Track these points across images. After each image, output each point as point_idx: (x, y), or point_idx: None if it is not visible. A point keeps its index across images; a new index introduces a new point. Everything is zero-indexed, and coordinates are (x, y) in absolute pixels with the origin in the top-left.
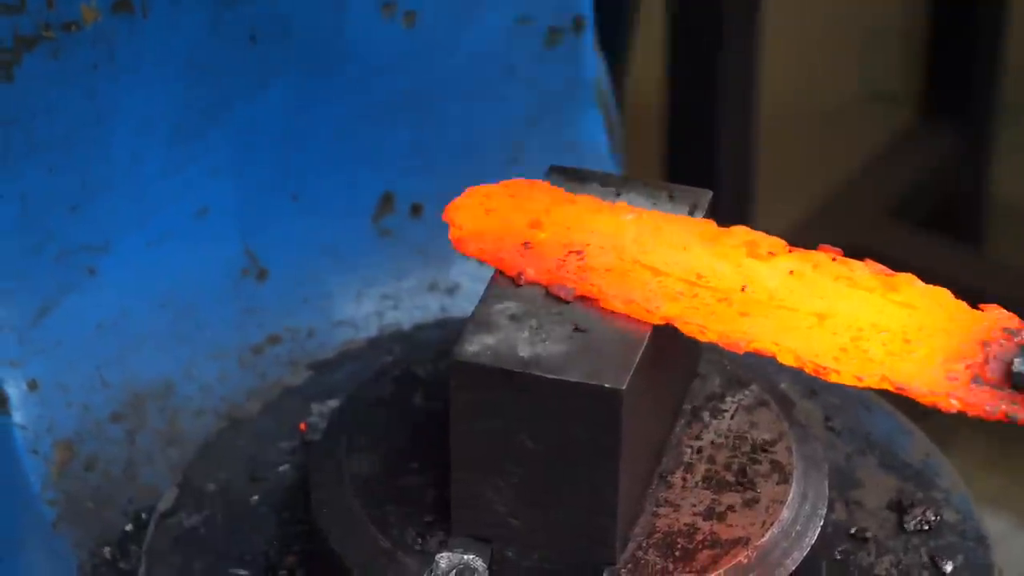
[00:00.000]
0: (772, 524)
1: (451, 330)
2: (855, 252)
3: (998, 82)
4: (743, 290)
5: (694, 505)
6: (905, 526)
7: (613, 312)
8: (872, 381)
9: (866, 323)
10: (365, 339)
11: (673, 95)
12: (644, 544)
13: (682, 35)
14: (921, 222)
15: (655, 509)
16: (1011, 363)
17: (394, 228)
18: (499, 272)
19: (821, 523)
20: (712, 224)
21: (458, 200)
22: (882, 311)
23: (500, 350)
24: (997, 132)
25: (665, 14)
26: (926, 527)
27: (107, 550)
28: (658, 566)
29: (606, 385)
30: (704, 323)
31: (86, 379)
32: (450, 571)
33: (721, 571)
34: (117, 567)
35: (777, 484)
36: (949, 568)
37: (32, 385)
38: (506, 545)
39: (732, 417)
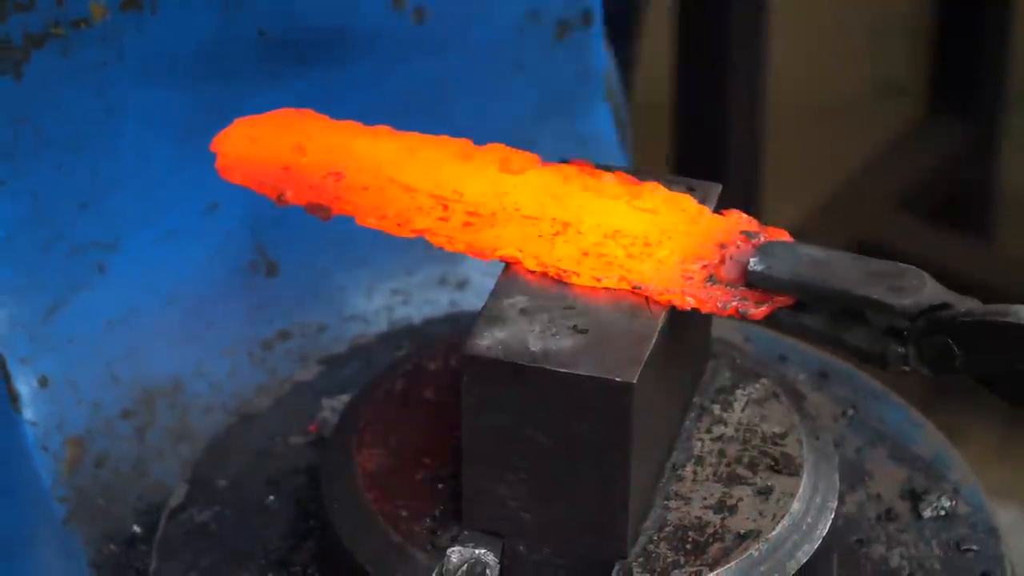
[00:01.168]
0: (783, 517)
1: (461, 325)
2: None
3: (1006, 74)
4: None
5: (705, 498)
6: (921, 513)
7: (623, 304)
8: (611, 282)
9: (609, 229)
10: (375, 334)
11: (681, 89)
12: (655, 537)
13: (690, 29)
14: (929, 215)
15: (666, 502)
16: (746, 263)
17: None
18: (509, 269)
19: (832, 516)
20: (468, 143)
21: (225, 130)
22: (626, 217)
23: (511, 344)
24: (1005, 124)
25: (673, 8)
26: (942, 512)
27: (117, 547)
28: (669, 559)
29: (617, 378)
30: (452, 235)
31: (96, 376)
32: (461, 565)
33: (732, 564)
34: (128, 563)
35: (788, 477)
36: (960, 559)
37: (43, 382)
38: (517, 539)
39: (742, 410)
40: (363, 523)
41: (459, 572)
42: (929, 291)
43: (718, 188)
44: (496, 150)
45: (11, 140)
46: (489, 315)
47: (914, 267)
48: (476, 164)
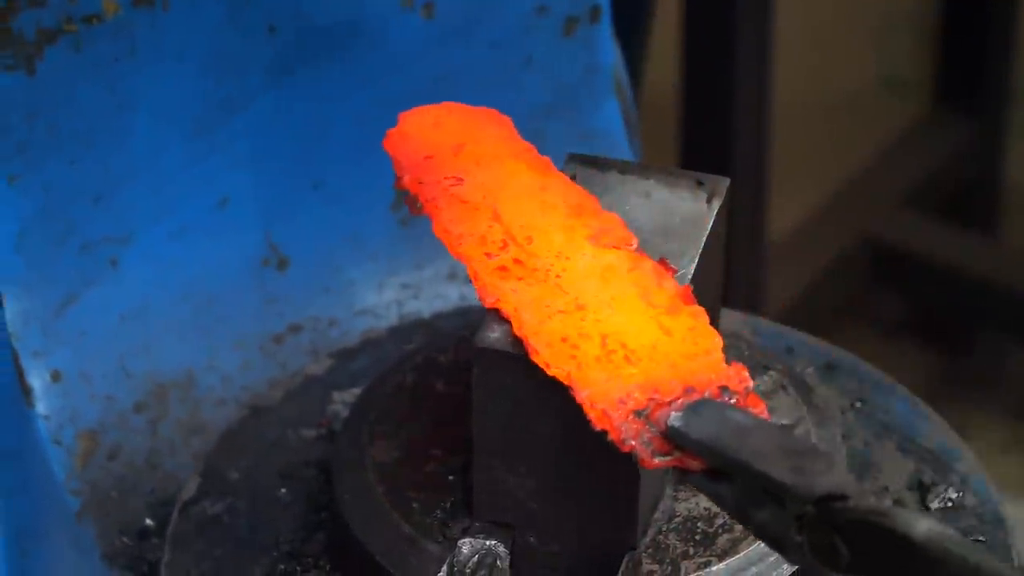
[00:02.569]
0: None
1: (471, 318)
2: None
3: (1011, 69)
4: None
5: None
6: (928, 505)
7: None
8: (558, 373)
9: (611, 331)
10: (386, 328)
11: (688, 84)
12: (664, 528)
13: (697, 25)
14: (935, 210)
15: (675, 494)
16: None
17: (413, 218)
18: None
19: None
20: (594, 201)
21: (426, 107)
22: (641, 329)
23: None
24: (1011, 119)
25: (680, 4)
26: (949, 504)
27: (130, 539)
28: (679, 550)
29: None
30: (479, 269)
31: (109, 370)
32: (472, 556)
33: (741, 554)
34: (140, 556)
35: None
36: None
37: (55, 376)
38: (528, 530)
39: None
40: (374, 515)
41: (470, 563)
42: (830, 478)
43: (727, 182)
44: (608, 219)
45: (24, 135)
46: None
47: (829, 452)
48: (576, 222)
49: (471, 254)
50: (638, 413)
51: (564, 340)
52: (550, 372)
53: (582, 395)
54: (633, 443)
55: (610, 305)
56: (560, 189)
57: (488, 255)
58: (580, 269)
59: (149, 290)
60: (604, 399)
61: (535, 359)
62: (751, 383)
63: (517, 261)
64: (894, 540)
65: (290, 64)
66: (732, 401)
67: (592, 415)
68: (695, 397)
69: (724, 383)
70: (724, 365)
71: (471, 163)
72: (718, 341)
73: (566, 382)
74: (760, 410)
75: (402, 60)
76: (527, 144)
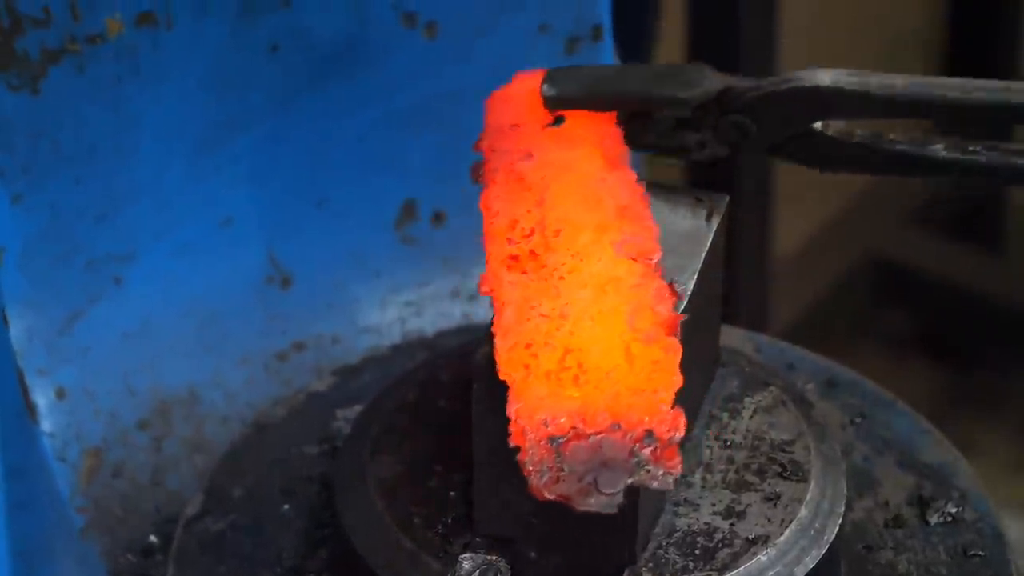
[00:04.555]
0: (791, 522)
1: (473, 336)
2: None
3: None
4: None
5: (713, 504)
6: (928, 520)
7: None
8: (505, 377)
9: (579, 346)
10: (389, 345)
11: None
12: (664, 543)
13: (701, 43)
14: (941, 228)
15: (675, 508)
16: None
17: (417, 235)
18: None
19: (840, 521)
20: (643, 207)
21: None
22: (606, 350)
23: None
24: (1017, 138)
25: (684, 22)
26: (949, 519)
27: (135, 556)
28: (678, 565)
29: None
30: (492, 253)
31: (113, 387)
32: (473, 571)
33: (741, 569)
34: (145, 573)
35: (796, 483)
36: (967, 565)
37: (60, 393)
38: (529, 545)
39: (751, 418)
40: (376, 530)
41: None
42: (713, 79)
43: (726, 199)
44: (640, 228)
45: (29, 154)
46: None
47: (694, 64)
48: (612, 224)
49: (494, 235)
50: (552, 440)
51: (528, 346)
52: (499, 374)
53: (511, 407)
54: (531, 469)
55: (592, 319)
56: (617, 187)
57: (509, 240)
58: (586, 274)
59: (153, 308)
60: (528, 417)
61: (495, 356)
62: (680, 434)
63: (532, 253)
64: (797, 97)
65: (293, 83)
66: (650, 449)
67: (512, 429)
68: (618, 435)
69: (652, 427)
70: (665, 409)
71: (549, 141)
72: (674, 381)
73: (508, 387)
74: (673, 464)
75: (405, 79)
76: (616, 131)
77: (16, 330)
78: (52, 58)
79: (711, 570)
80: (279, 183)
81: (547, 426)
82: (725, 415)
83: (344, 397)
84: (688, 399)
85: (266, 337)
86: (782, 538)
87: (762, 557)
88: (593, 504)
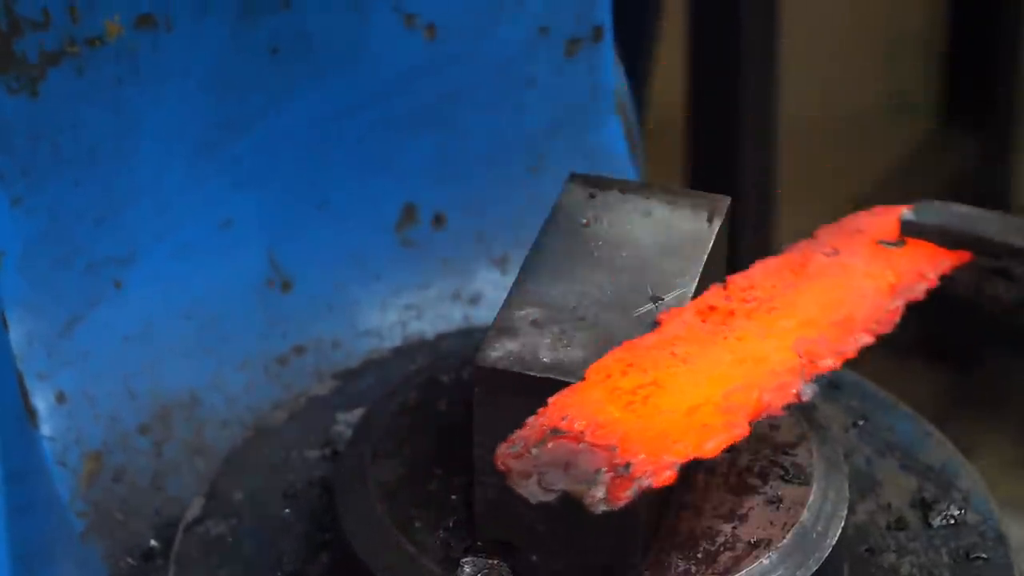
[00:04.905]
0: (793, 526)
1: (474, 339)
2: None
3: (1018, 88)
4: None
5: (715, 507)
6: (931, 522)
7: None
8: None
9: (667, 384)
10: (389, 348)
11: (694, 104)
12: (666, 547)
13: (703, 45)
14: None
15: (677, 512)
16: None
17: (417, 238)
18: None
19: (842, 524)
20: (803, 365)
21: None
22: (686, 397)
23: (522, 355)
24: (1018, 138)
25: (686, 24)
26: (951, 521)
27: (135, 560)
28: (680, 568)
29: None
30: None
31: (113, 391)
32: None
33: (743, 573)
34: None
35: (798, 486)
36: (969, 568)
37: (60, 397)
38: (531, 550)
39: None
40: (377, 535)
41: None
42: None
43: (727, 201)
44: (822, 349)
45: (28, 157)
46: (501, 327)
47: None
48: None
49: (729, 286)
50: (551, 430)
51: (629, 365)
52: (587, 373)
53: (560, 396)
54: (514, 438)
55: (704, 374)
56: (865, 308)
57: (727, 294)
58: (748, 345)
59: (153, 311)
60: (562, 409)
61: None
62: (651, 485)
63: (730, 312)
64: None
65: (293, 85)
66: (611, 476)
67: (540, 410)
68: (603, 453)
69: (637, 464)
70: (665, 460)
71: (863, 251)
72: (701, 452)
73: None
74: (616, 500)
75: (405, 80)
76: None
77: (16, 333)
78: (51, 60)
79: (713, 573)
80: (279, 185)
81: (563, 420)
82: None
83: (345, 400)
84: None
85: (266, 340)
86: (784, 541)
87: (764, 560)
88: (522, 488)
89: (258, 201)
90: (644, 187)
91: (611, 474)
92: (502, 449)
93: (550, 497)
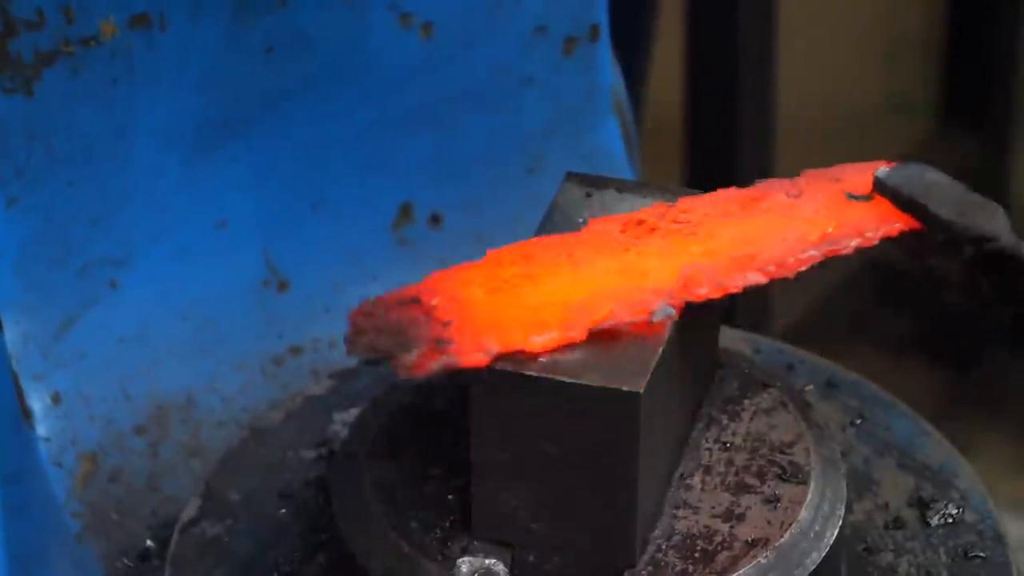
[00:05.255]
0: (791, 525)
1: None
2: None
3: (1017, 88)
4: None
5: (713, 507)
6: (929, 521)
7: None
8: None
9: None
10: None
11: (692, 103)
12: (663, 546)
13: (701, 44)
14: None
15: (674, 511)
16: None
17: (414, 238)
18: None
19: (840, 523)
20: (678, 288)
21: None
22: (555, 289)
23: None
24: (1016, 137)
25: (684, 23)
26: (949, 520)
27: (131, 561)
28: (677, 568)
29: (624, 388)
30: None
31: (109, 392)
32: (471, 575)
33: (740, 572)
34: None
35: (795, 485)
36: (967, 567)
37: (55, 398)
38: (527, 549)
39: (751, 419)
40: (374, 535)
41: None
42: (990, 224)
43: None
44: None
45: (23, 157)
46: None
47: (995, 205)
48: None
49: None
50: (407, 298)
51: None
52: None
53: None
54: (368, 301)
55: (580, 275)
56: (783, 250)
57: (662, 212)
58: (645, 261)
59: (149, 312)
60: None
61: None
62: (456, 365)
63: (652, 228)
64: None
65: (289, 84)
66: (420, 345)
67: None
68: (435, 327)
69: (460, 342)
70: (488, 345)
71: (825, 197)
72: (528, 344)
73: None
74: (413, 368)
75: (401, 80)
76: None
77: (11, 334)
78: (46, 60)
79: (710, 573)
80: (275, 185)
81: (427, 291)
82: (724, 417)
83: (341, 400)
84: (687, 401)
85: (263, 340)
86: (782, 541)
87: (762, 560)
88: (352, 343)
89: (254, 201)
90: (641, 186)
91: (427, 345)
92: (360, 305)
93: (368, 355)
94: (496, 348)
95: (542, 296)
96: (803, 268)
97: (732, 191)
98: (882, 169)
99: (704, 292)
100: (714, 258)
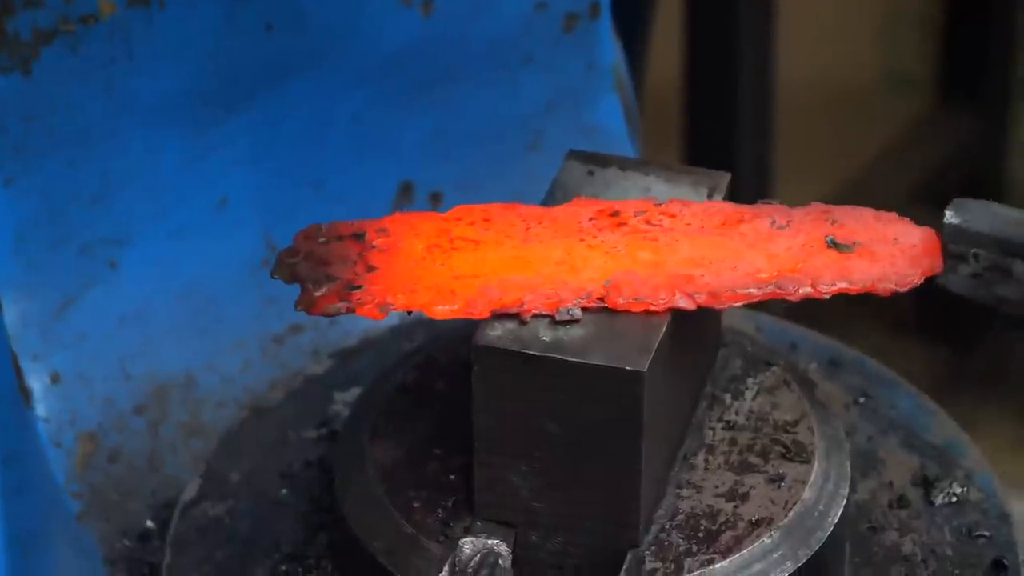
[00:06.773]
0: (795, 504)
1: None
2: None
3: (1015, 65)
4: None
5: (717, 486)
6: (933, 500)
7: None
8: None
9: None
10: (387, 327)
11: (691, 80)
12: (667, 526)
13: (700, 21)
14: (940, 205)
15: (678, 491)
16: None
17: None
18: None
19: (844, 502)
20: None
21: None
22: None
23: (522, 334)
24: (1015, 114)
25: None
26: (954, 499)
27: (131, 541)
28: (681, 547)
29: (627, 367)
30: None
31: (109, 372)
32: (474, 556)
33: (744, 551)
34: (142, 558)
35: (799, 464)
36: (972, 546)
37: (55, 378)
38: (530, 529)
39: (754, 398)
40: (376, 515)
41: (472, 562)
42: None
43: (727, 177)
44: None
45: (20, 137)
46: None
47: None
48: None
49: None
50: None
51: (483, 220)
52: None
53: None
54: (302, 236)
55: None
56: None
57: (645, 209)
58: (614, 256)
59: (148, 291)
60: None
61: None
62: (372, 311)
63: (623, 224)
64: None
65: (288, 63)
66: (329, 284)
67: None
68: (360, 266)
69: (362, 294)
70: (387, 301)
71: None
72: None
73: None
74: (318, 304)
75: (401, 58)
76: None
77: (10, 315)
78: (44, 39)
79: (714, 553)
80: (275, 164)
81: (379, 231)
82: (728, 396)
83: (342, 380)
84: (690, 380)
85: (262, 320)
86: (786, 520)
87: (766, 539)
88: (277, 264)
89: (254, 180)
90: (643, 164)
91: (338, 286)
92: (308, 227)
93: (286, 279)
94: (396, 307)
95: (470, 266)
96: (737, 304)
97: (725, 205)
98: (949, 214)
99: (622, 303)
100: (654, 270)
